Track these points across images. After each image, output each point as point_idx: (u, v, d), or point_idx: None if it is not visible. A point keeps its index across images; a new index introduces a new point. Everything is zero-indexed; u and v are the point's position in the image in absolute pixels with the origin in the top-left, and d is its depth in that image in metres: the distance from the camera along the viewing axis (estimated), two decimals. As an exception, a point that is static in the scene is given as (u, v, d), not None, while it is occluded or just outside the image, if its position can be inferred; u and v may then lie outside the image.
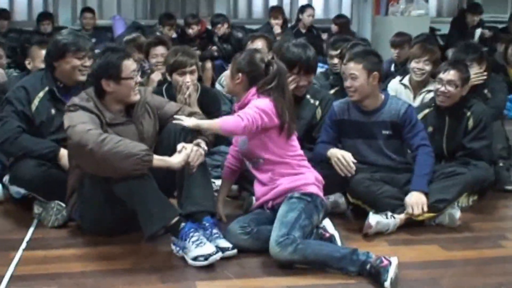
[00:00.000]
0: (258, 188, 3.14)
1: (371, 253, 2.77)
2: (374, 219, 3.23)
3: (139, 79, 3.20)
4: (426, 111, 3.90)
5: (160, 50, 4.76)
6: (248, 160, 3.17)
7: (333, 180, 3.32)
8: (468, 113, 3.78)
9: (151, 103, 3.28)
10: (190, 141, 3.08)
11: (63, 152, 3.40)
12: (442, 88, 3.73)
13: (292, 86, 3.47)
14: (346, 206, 3.55)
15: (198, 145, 3.07)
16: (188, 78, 3.87)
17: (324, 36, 8.29)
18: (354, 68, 3.43)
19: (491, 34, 8.42)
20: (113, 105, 3.14)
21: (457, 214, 3.41)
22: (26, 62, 4.19)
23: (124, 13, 8.78)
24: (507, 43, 7.00)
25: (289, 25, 8.31)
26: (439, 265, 2.94)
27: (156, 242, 3.04)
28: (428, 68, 4.53)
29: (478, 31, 8.21)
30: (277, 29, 7.66)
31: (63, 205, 3.32)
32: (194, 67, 3.92)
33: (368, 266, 2.70)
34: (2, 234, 3.27)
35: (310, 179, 3.05)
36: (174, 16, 7.57)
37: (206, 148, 3.11)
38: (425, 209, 3.29)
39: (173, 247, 2.97)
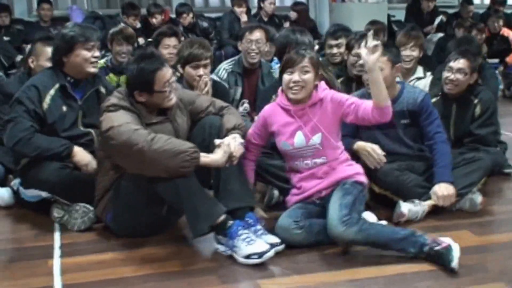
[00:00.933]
0: (305, 183, 3.11)
1: (426, 236, 2.85)
2: (405, 207, 3.29)
3: (174, 85, 3.10)
4: (433, 100, 3.96)
5: (173, 41, 4.65)
6: (303, 158, 3.10)
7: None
8: (476, 101, 3.89)
9: (184, 99, 3.20)
10: (225, 136, 3.04)
11: (77, 150, 3.29)
12: (451, 76, 3.82)
13: None
14: (368, 196, 3.58)
15: (233, 139, 3.02)
16: (201, 71, 3.81)
17: (286, 24, 8.32)
18: (380, 60, 3.45)
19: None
20: (148, 108, 3.06)
21: (478, 199, 3.51)
22: (29, 60, 3.99)
23: (78, 3, 8.51)
24: (468, 29, 7.24)
25: (250, 13, 8.30)
26: (477, 250, 3.01)
27: (195, 241, 3.00)
28: (415, 53, 4.62)
29: (439, 18, 8.43)
30: (243, 17, 7.62)
31: (90, 207, 3.22)
32: (208, 60, 3.86)
33: (426, 248, 2.79)
34: (28, 241, 3.13)
35: (359, 169, 3.12)
36: (138, 6, 7.39)
37: (242, 140, 3.07)
38: (453, 200, 3.38)
39: (218, 246, 2.93)
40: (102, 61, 4.90)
